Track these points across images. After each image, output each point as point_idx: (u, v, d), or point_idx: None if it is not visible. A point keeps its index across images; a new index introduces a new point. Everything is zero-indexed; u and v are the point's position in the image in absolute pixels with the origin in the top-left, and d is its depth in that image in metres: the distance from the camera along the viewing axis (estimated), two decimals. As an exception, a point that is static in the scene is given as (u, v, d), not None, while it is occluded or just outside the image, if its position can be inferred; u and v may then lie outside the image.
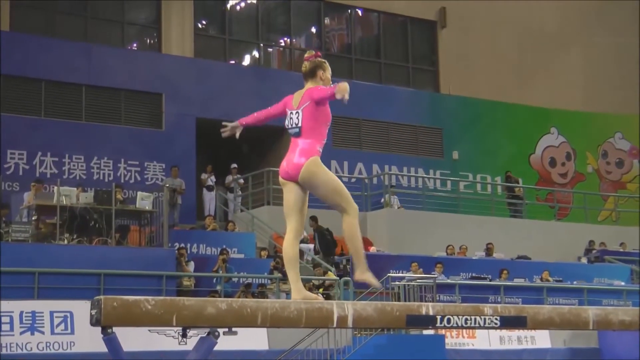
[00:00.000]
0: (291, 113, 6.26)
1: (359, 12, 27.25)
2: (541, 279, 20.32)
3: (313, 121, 6.21)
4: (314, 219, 20.72)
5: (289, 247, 6.37)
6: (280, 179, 6.35)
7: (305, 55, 6.47)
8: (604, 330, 14.69)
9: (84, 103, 21.76)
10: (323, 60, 6.44)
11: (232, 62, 25.10)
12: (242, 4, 25.65)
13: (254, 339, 14.75)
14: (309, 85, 6.37)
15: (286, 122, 6.27)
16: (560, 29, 29.39)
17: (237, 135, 6.66)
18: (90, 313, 5.25)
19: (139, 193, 17.85)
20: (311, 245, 20.66)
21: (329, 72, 6.42)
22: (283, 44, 26.26)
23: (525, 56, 28.59)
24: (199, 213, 21.81)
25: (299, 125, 6.20)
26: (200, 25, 24.61)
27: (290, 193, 6.33)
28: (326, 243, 20.55)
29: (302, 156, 6.18)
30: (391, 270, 18.20)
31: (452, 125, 27.02)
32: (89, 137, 21.36)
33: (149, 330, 13.27)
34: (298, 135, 6.22)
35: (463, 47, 27.75)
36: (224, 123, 6.69)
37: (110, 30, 23.56)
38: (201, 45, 24.27)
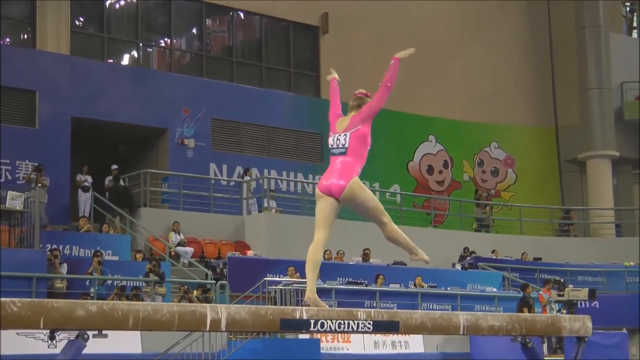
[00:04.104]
0: (338, 135, 6.78)
1: (241, 14, 27.14)
2: (415, 285, 20.60)
3: (359, 144, 6.77)
4: (126, 191, 21.08)
5: (316, 253, 6.85)
6: (318, 191, 6.76)
7: (357, 91, 7.13)
8: (475, 335, 15.00)
9: (-48, 99, 21.02)
10: (370, 98, 7.07)
11: (110, 61, 24.65)
12: (122, 3, 25.20)
13: (126, 342, 14.49)
14: (352, 114, 6.93)
15: (331, 142, 6.82)
16: (442, 40, 29.86)
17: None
18: (-49, 316, 5.06)
19: (10, 192, 17.34)
20: (189, 249, 20.51)
21: None
22: (163, 45, 25.94)
23: (407, 64, 28.75)
24: (74, 214, 21.34)
25: (346, 146, 6.72)
26: (77, 23, 24.06)
27: (326, 206, 6.72)
28: (122, 197, 20.83)
29: (344, 176, 6.65)
30: (268, 275, 18.21)
31: (332, 131, 27.15)
32: (-42, 134, 20.62)
33: (17, 334, 12.91)
34: (343, 154, 6.74)
35: (345, 53, 27.92)
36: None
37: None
38: (78, 43, 23.71)
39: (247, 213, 23.01)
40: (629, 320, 21.89)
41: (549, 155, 31.73)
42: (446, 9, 30.07)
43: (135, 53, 25.24)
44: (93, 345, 5.78)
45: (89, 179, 21.23)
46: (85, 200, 20.98)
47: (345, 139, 6.73)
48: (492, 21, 31.16)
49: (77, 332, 5.51)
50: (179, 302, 16.08)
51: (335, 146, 6.77)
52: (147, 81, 24.01)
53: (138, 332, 14.25)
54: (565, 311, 17.45)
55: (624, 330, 19.99)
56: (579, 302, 18.19)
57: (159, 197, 23.02)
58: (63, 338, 5.71)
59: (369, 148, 6.88)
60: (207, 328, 5.85)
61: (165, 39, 25.93)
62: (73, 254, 18.08)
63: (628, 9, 35.23)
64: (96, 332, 5.55)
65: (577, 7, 30.73)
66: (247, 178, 23.88)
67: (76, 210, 21.19)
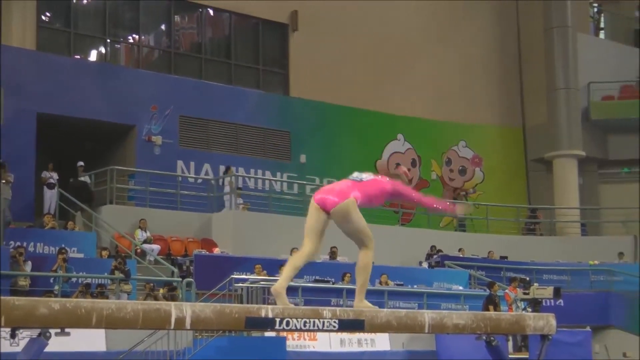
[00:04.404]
0: (366, 173, 7.05)
1: (210, 11, 27.04)
2: (380, 283, 20.63)
3: (374, 189, 6.92)
4: (85, 186, 21.14)
5: (299, 258, 6.87)
6: (314, 202, 6.86)
7: (401, 167, 7.33)
8: (441, 334, 15.05)
9: None
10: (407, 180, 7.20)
11: (78, 57, 24.45)
12: (90, -2, 25.02)
13: (90, 340, 14.39)
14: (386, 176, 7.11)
15: (355, 174, 7.00)
16: (411, 39, 29.92)
17: None
18: None
19: (-28, 189, 17.15)
20: (155, 246, 20.41)
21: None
22: (131, 41, 25.78)
23: (376, 63, 29.01)
24: (38, 211, 21.15)
25: (363, 180, 6.92)
26: (44, 18, 23.84)
27: (314, 216, 6.83)
28: (81, 192, 20.92)
29: (341, 196, 6.75)
30: (235, 272, 18.15)
31: (300, 129, 27.17)
32: None
33: (-22, 332, 12.76)
34: (355, 181, 6.91)
35: (314, 51, 27.92)
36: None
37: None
38: (44, 38, 23.52)
39: (229, 208, 22.95)
40: (593, 318, 22.07)
41: (516, 154, 31.92)
42: (416, 8, 30.12)
43: (102, 49, 25.08)
44: (56, 344, 5.72)
45: (55, 175, 21.07)
46: (50, 198, 20.83)
47: (367, 177, 6.96)
48: (461, 21, 31.26)
49: (39, 330, 5.46)
50: (145, 299, 15.99)
51: (356, 175, 6.98)
52: (115, 77, 23.84)
53: (102, 330, 14.16)
54: (530, 309, 17.55)
55: (588, 329, 20.16)
56: (544, 301, 18.31)
57: (126, 194, 22.88)
58: (25, 336, 5.65)
59: (375, 202, 7.03)
60: (172, 326, 5.81)
61: (134, 35, 25.78)
62: (37, 251, 17.91)
63: (595, 9, 35.48)
64: (59, 330, 5.51)
65: (545, 8, 30.90)
66: (228, 176, 23.82)
67: (41, 207, 21.01)
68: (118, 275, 16.69)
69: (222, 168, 24.82)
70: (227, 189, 23.47)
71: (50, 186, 20.83)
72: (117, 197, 21.89)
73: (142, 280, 17.75)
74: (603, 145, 31.85)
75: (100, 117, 23.26)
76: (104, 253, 18.35)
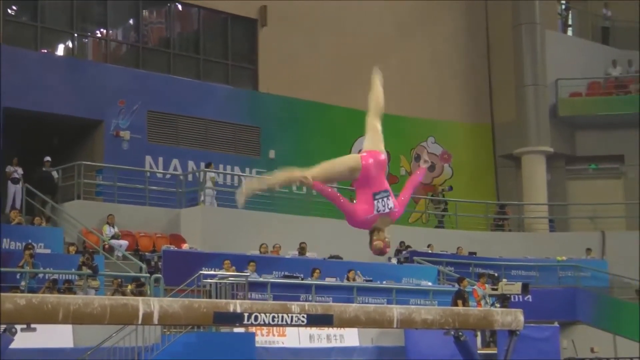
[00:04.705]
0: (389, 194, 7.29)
1: (179, 6, 26.91)
2: (348, 279, 20.62)
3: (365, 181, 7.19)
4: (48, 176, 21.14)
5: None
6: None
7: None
8: (410, 329, 15.07)
9: None
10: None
11: (44, 51, 24.24)
12: (57, -9, 24.79)
13: (57, 336, 14.27)
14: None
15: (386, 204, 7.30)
16: (380, 35, 29.93)
17: None
18: None
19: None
20: (123, 242, 20.30)
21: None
22: (99, 35, 25.59)
23: (345, 59, 28.95)
24: (4, 206, 20.95)
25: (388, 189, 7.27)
26: (9, 11, 23.59)
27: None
28: (45, 183, 20.97)
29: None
30: (203, 268, 18.10)
31: (269, 125, 27.11)
32: None
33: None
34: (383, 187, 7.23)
35: (284, 47, 27.85)
36: None
37: None
38: (10, 32, 23.28)
39: (209, 204, 22.87)
40: (561, 314, 22.22)
41: (485, 150, 32.05)
42: (385, 4, 30.13)
43: (70, 43, 24.86)
44: (23, 340, 5.66)
45: (19, 170, 20.90)
46: (15, 192, 20.64)
47: (392, 202, 7.40)
48: (430, 17, 31.32)
49: (5, 326, 5.41)
50: (113, 296, 15.89)
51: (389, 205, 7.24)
52: (82, 72, 23.67)
53: (69, 326, 14.06)
54: (498, 305, 17.62)
55: (556, 324, 20.29)
56: (512, 296, 18.40)
57: (93, 190, 22.73)
58: (-9, 332, 5.59)
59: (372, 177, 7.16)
60: (140, 321, 5.79)
61: (101, 30, 25.58)
62: (3, 247, 17.74)
63: (563, 6, 35.71)
64: (24, 326, 5.45)
65: (513, 5, 31.04)
66: (197, 172, 23.78)
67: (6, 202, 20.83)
68: (86, 271, 16.58)
69: (190, 164, 24.75)
70: (208, 184, 23.36)
71: (15, 181, 20.65)
72: (85, 193, 21.74)
73: (110, 276, 17.64)
74: (571, 141, 32.06)
75: (67, 112, 23.08)
76: (72, 249, 18.23)
